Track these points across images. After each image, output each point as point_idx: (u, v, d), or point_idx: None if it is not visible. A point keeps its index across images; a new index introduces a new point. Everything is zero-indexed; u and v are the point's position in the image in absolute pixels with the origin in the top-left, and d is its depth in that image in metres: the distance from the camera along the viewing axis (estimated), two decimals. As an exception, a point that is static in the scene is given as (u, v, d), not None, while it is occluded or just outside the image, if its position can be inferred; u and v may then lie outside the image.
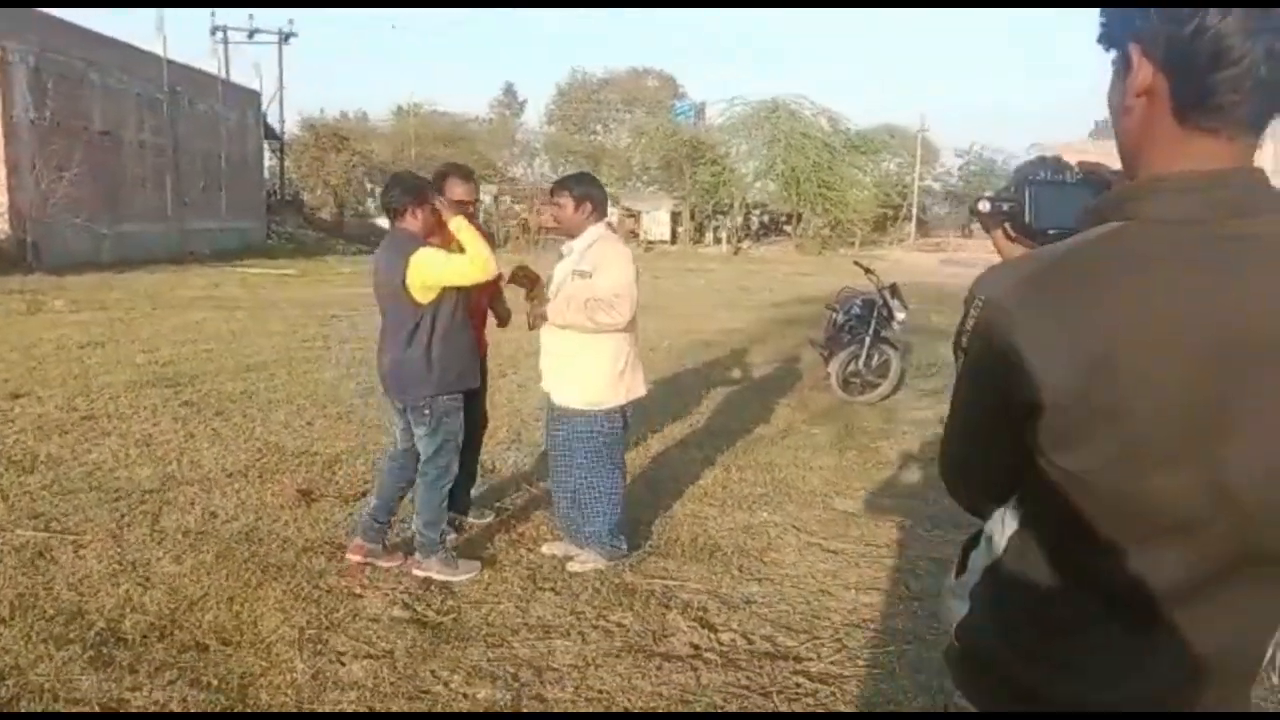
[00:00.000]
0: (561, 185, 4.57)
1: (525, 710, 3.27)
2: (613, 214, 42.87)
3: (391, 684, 3.38)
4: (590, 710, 3.28)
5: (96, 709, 3.18)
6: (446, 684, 3.40)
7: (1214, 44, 1.04)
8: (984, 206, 1.49)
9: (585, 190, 4.52)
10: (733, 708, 3.30)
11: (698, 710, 3.29)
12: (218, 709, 3.21)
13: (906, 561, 4.67)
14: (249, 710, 3.22)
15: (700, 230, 44.00)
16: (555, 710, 3.28)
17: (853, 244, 41.45)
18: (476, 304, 4.76)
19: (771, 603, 4.18)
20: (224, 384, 8.48)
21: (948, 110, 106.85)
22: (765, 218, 45.85)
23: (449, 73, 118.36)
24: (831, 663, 3.63)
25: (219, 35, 34.20)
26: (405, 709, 3.25)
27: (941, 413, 8.10)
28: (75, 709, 3.18)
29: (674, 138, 42.94)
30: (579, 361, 4.50)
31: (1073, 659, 1.22)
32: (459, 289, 4.27)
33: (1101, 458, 1.10)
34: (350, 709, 3.24)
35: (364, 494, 5.48)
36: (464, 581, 4.31)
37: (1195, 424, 1.08)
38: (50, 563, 4.35)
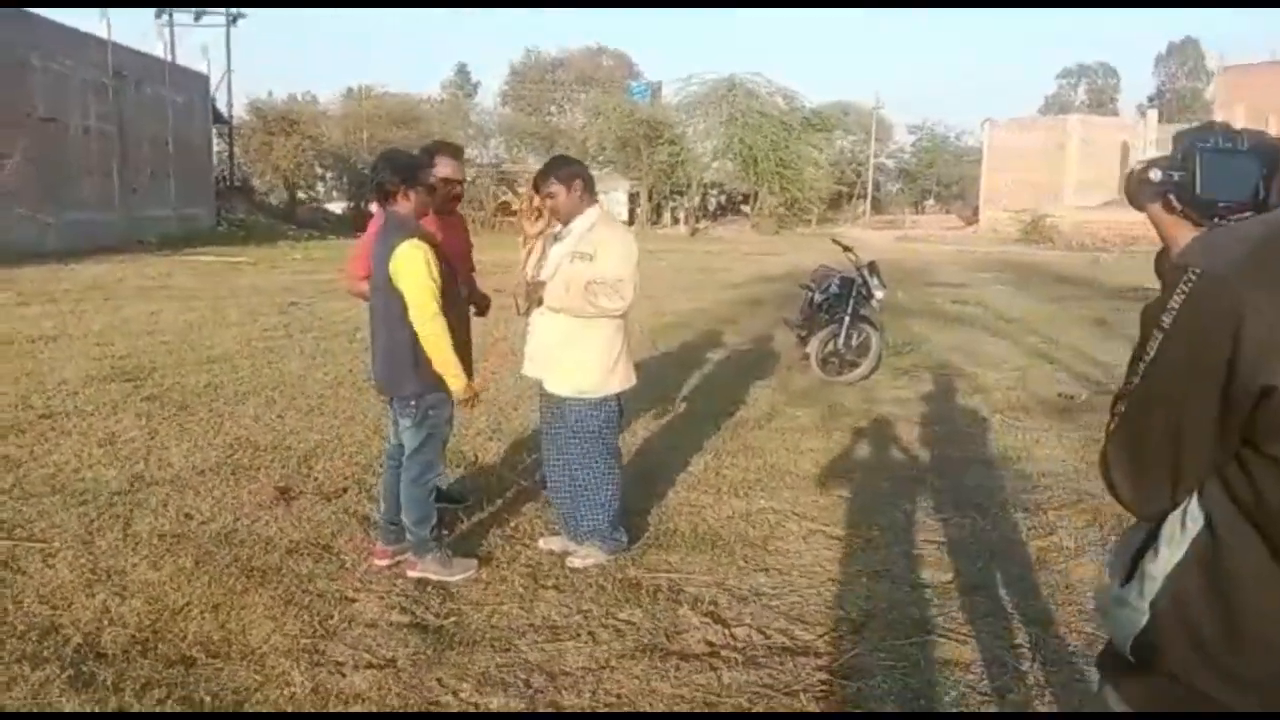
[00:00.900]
0: (545, 175, 4.37)
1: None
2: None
3: (398, 695, 3.20)
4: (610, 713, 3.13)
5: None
6: (456, 693, 3.22)
7: None
8: (1155, 175, 1.32)
9: (571, 170, 4.33)
10: (760, 708, 3.16)
11: (722, 710, 3.15)
12: (213, 729, 3.01)
13: (914, 547, 4.56)
14: (247, 729, 3.03)
15: (658, 211, 43.81)
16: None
17: (809, 223, 41.55)
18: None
19: (782, 594, 4.04)
20: (186, 377, 8.17)
21: (900, 87, 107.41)
22: (722, 198, 45.75)
23: (400, 54, 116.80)
24: (854, 656, 3.50)
25: (164, 17, 33.14)
26: (414, 722, 3.07)
27: (921, 391, 8.03)
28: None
29: (631, 118, 42.64)
30: (573, 348, 4.32)
31: None
32: (441, 279, 4.04)
33: None
34: (356, 724, 3.06)
35: (345, 490, 5.27)
36: (461, 581, 4.12)
37: None
38: (17, 574, 4.09)
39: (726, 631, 3.69)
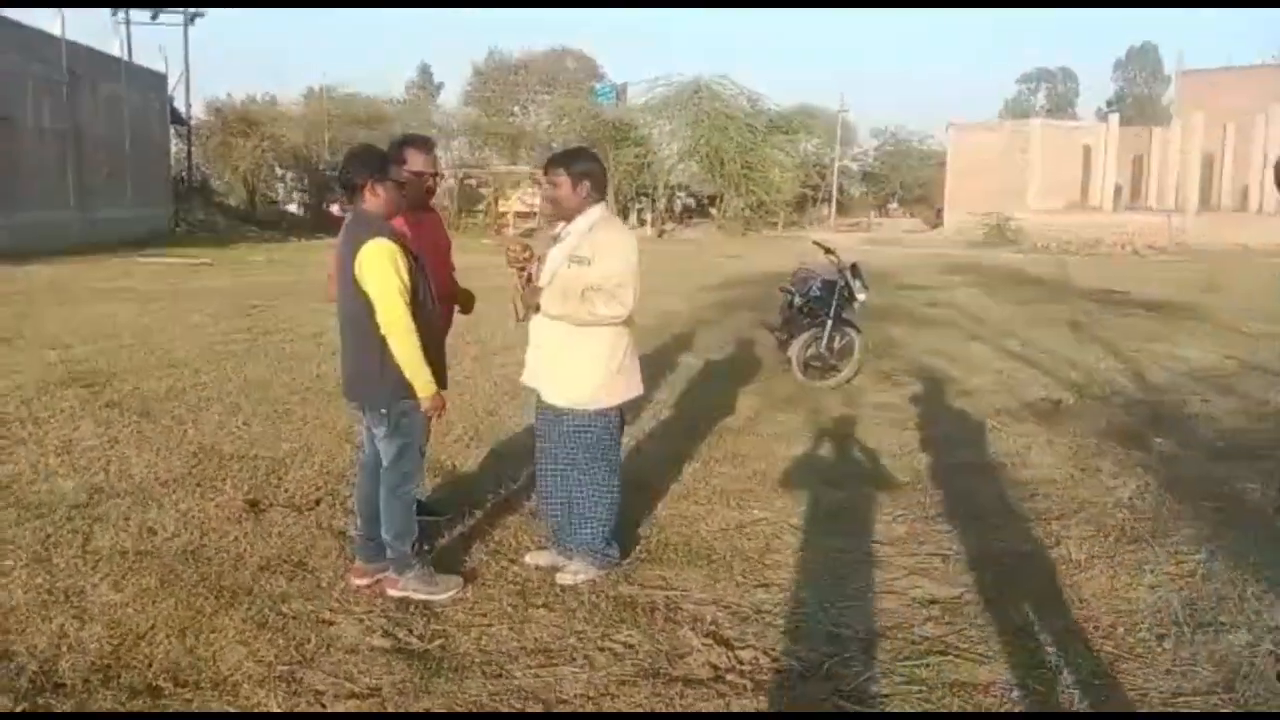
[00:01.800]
0: (557, 163, 4.15)
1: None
2: (536, 199, 42.31)
3: (385, 729, 2.97)
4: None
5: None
6: (447, 726, 3.00)
7: None
8: None
9: (584, 168, 4.11)
10: (774, 740, 2.97)
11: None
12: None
13: (917, 560, 4.39)
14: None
15: (624, 213, 43.54)
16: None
17: (775, 225, 41.50)
18: (441, 289, 4.31)
19: (784, 612, 3.86)
20: (146, 382, 7.84)
21: (863, 91, 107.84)
22: (690, 200, 45.62)
23: (362, 54, 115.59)
24: (867, 680, 3.32)
25: (120, 15, 32.30)
26: (403, 758, 2.85)
27: (905, 395, 7.88)
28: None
29: (596, 119, 42.36)
30: (573, 356, 4.11)
31: None
32: (411, 279, 3.79)
33: None
34: (339, 761, 2.83)
35: (318, 502, 5.03)
36: (446, 600, 3.89)
37: None
38: (-33, 596, 3.81)
39: (730, 654, 3.49)
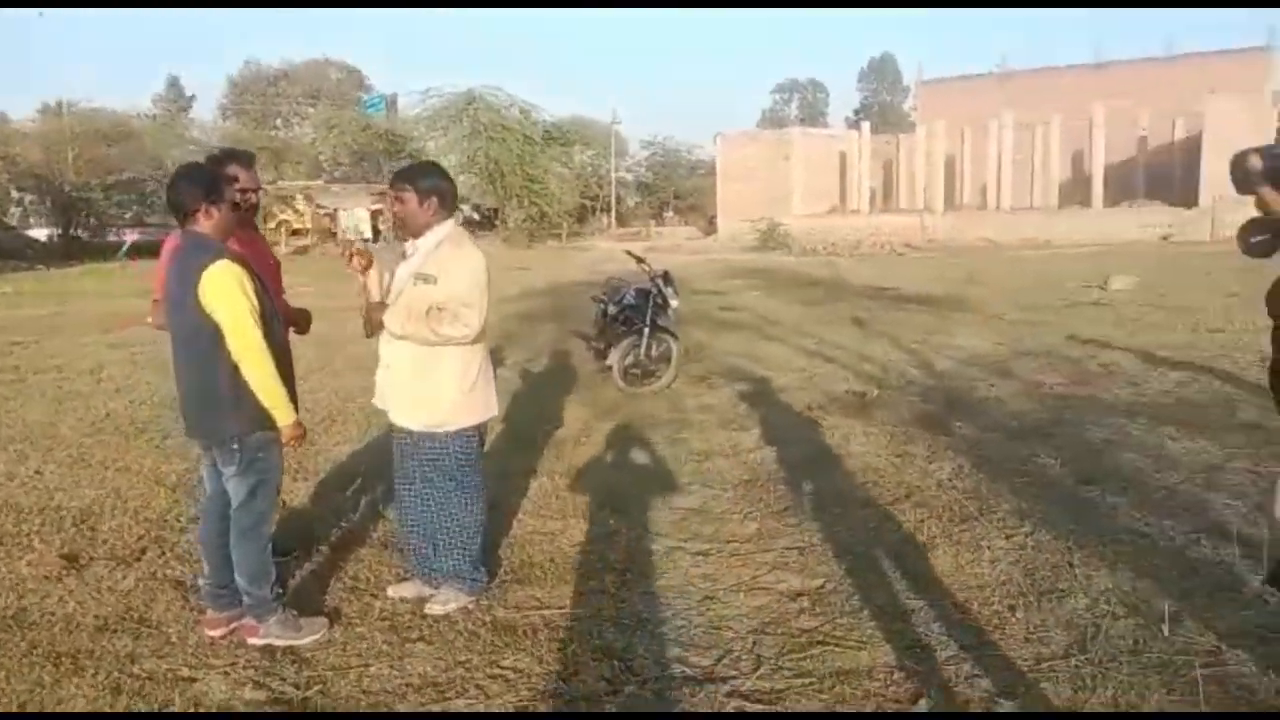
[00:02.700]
0: (404, 177, 4.00)
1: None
2: (307, 213, 40.57)
3: (285, 788, 2.78)
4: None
5: None
6: (350, 776, 2.84)
7: None
8: (1255, 162, 1.38)
9: (433, 184, 3.98)
10: (688, 747, 2.99)
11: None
12: None
13: (775, 555, 4.54)
14: None
15: (403, 228, 42.61)
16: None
17: (559, 236, 41.79)
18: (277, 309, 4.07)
19: (664, 619, 3.89)
20: (-98, 435, 6.97)
21: (631, 104, 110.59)
22: (472, 213, 45.15)
23: (101, 67, 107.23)
24: (759, 678, 3.39)
25: None
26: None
27: (725, 397, 8.11)
28: None
29: (367, 131, 41.30)
30: (424, 377, 3.97)
31: None
32: (259, 301, 3.58)
33: None
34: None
35: (144, 552, 4.64)
36: (312, 644, 3.68)
37: None
38: None
39: (623, 666, 3.49)
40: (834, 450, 6.41)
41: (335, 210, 40.49)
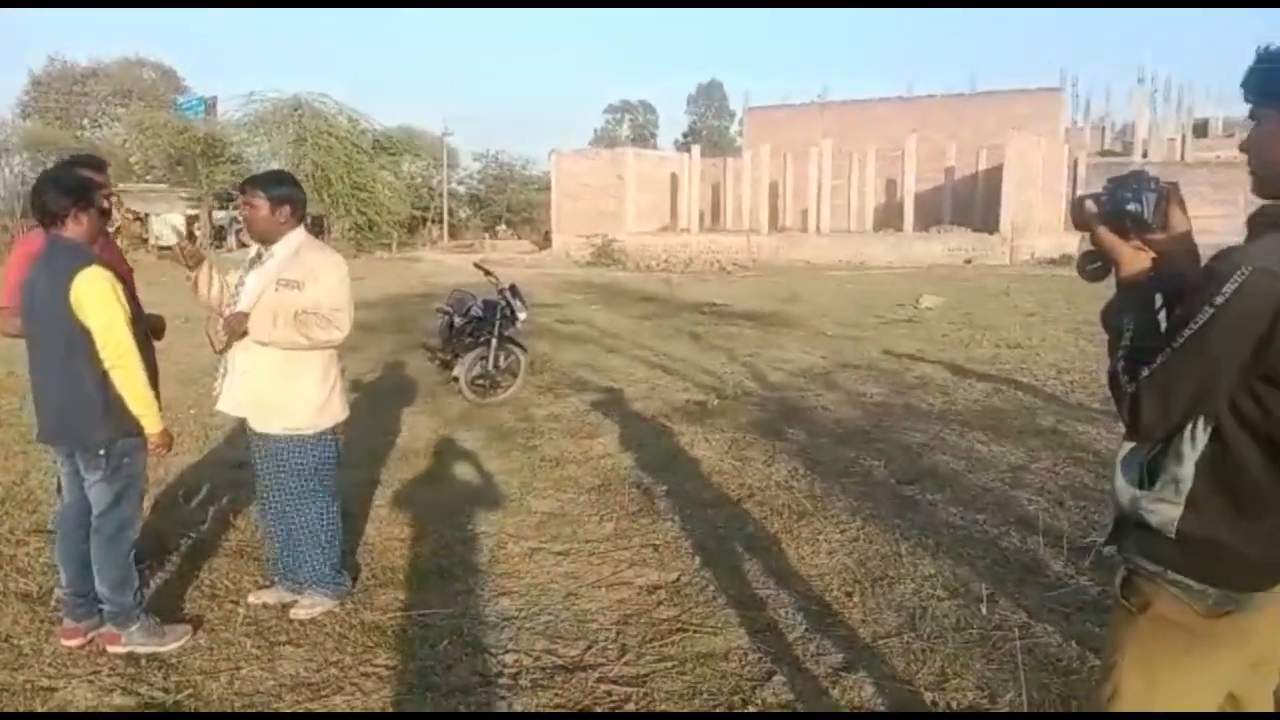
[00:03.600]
0: (255, 184, 4.02)
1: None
2: (117, 218, 38.42)
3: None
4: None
5: None
6: (232, 773, 2.87)
7: None
8: (1091, 206, 1.68)
9: (284, 192, 4.01)
10: (564, 729, 3.16)
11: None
12: None
13: (632, 553, 4.77)
14: None
15: (221, 235, 40.86)
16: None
17: (389, 246, 41.00)
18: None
19: (530, 615, 4.05)
20: None
21: (462, 118, 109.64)
22: (299, 221, 43.71)
23: None
24: (625, 664, 3.60)
25: None
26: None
27: (573, 407, 8.32)
28: None
29: (184, 134, 39.40)
30: (284, 383, 3.99)
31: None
32: (126, 306, 3.55)
33: None
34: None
35: (-24, 567, 4.42)
36: (176, 650, 3.65)
37: None
38: None
39: (494, 659, 3.63)
40: (680, 455, 6.71)
41: (146, 215, 38.45)
